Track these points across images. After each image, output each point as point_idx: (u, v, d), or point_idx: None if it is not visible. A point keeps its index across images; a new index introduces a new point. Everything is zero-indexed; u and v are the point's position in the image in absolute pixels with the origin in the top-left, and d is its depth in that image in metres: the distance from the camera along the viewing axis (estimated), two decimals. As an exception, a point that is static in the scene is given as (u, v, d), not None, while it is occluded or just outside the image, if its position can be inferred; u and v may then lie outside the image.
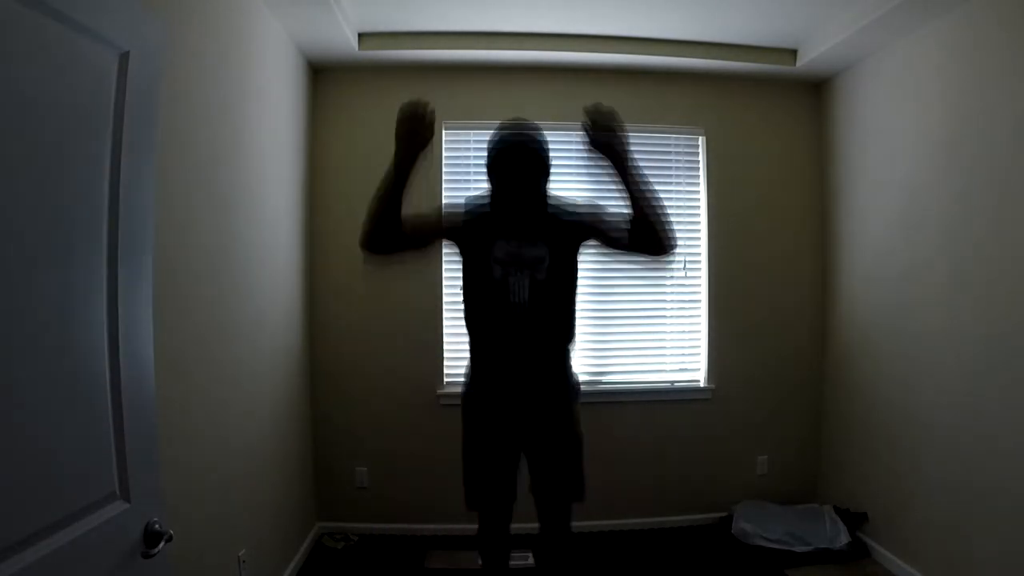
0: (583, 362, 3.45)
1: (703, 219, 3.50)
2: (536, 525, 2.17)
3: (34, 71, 0.97)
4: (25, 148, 0.96)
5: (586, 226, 2.05)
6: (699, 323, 3.53)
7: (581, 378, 2.27)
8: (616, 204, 1.98)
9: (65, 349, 1.05)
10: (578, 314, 2.13)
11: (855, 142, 3.26)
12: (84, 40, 1.08)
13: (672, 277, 3.52)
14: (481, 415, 2.08)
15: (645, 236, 1.89)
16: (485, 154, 2.06)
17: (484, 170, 2.07)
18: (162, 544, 1.23)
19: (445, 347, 3.37)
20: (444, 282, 3.36)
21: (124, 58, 1.18)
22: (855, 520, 3.11)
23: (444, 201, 3.34)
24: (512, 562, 2.32)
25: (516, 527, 2.21)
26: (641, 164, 3.28)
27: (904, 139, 2.87)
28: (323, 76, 3.34)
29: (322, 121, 3.34)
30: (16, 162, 0.94)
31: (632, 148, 1.89)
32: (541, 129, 2.08)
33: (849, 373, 3.32)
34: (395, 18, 2.97)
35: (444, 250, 3.34)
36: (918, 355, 2.78)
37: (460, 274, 2.12)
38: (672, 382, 3.51)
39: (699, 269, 3.52)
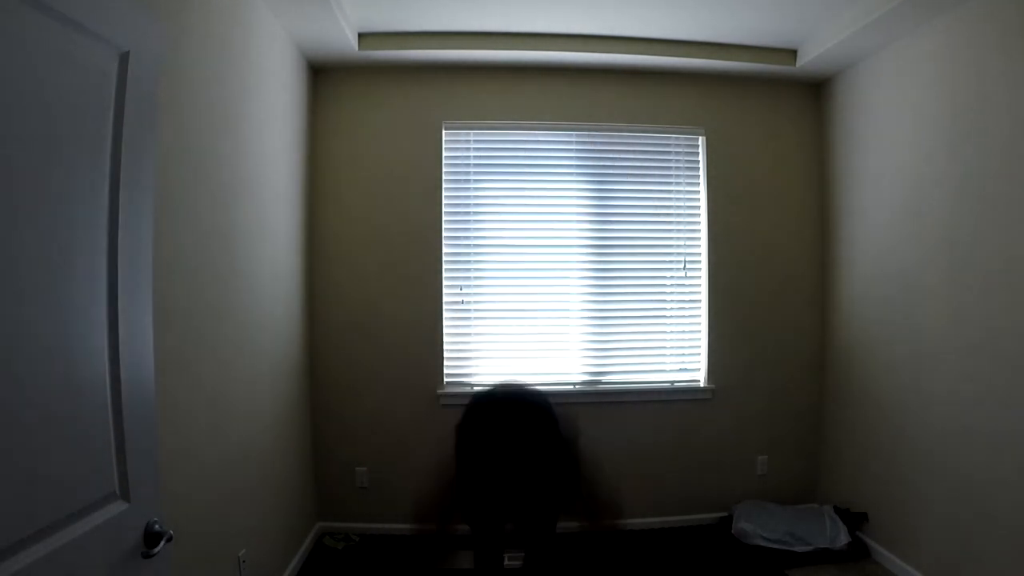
0: (583, 362, 3.46)
1: (703, 219, 3.50)
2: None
3: (34, 70, 0.97)
4: (25, 147, 0.96)
5: None
6: (699, 323, 3.53)
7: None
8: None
9: (65, 349, 1.05)
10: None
11: (855, 142, 3.26)
12: (84, 40, 1.08)
13: (672, 277, 3.52)
14: None
15: None
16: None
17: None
18: (162, 544, 1.23)
19: (445, 347, 3.37)
20: (444, 282, 3.36)
21: (124, 58, 1.18)
22: (855, 520, 3.11)
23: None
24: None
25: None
26: (641, 164, 3.28)
27: (903, 139, 2.87)
28: (323, 76, 3.34)
29: (322, 121, 3.34)
30: (16, 162, 0.94)
31: None
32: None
33: (849, 373, 3.32)
34: (395, 18, 2.96)
35: (444, 248, 3.36)
36: (918, 355, 2.78)
37: None
38: (672, 382, 3.51)
39: (699, 269, 3.52)
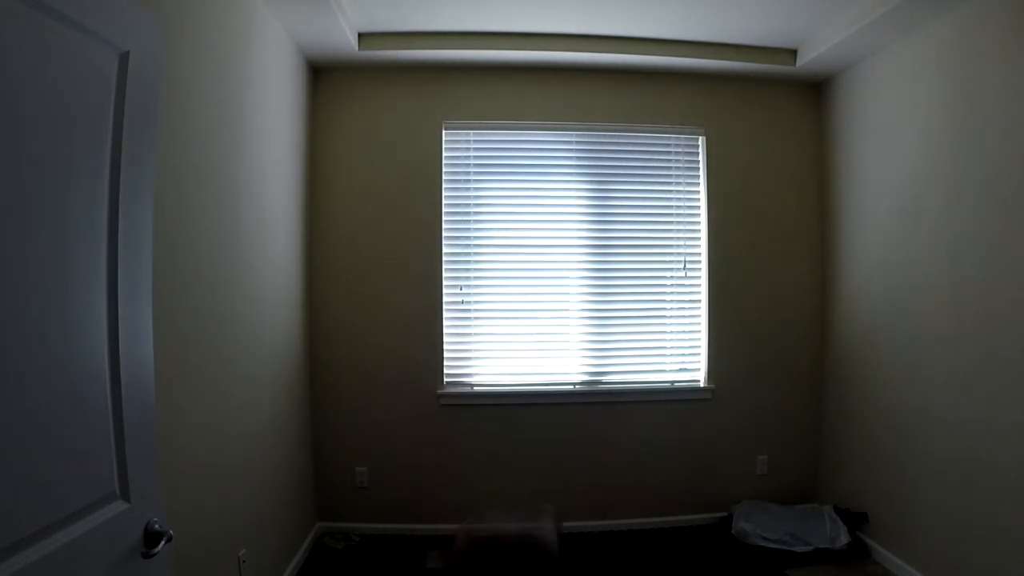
0: (583, 362, 3.46)
1: (703, 219, 3.50)
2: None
3: (34, 71, 0.97)
4: (25, 148, 0.96)
5: None
6: (699, 323, 3.53)
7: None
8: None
9: (65, 349, 1.05)
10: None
11: (855, 142, 3.26)
12: (84, 40, 1.08)
13: (672, 277, 3.52)
14: None
15: None
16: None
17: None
18: (162, 544, 1.23)
19: (445, 347, 3.37)
20: (444, 282, 3.36)
21: (124, 58, 1.18)
22: (855, 520, 3.11)
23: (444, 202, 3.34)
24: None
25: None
26: (641, 164, 3.27)
27: (904, 139, 2.87)
28: (323, 76, 3.34)
29: (322, 121, 3.34)
30: (16, 162, 0.94)
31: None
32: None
33: (849, 373, 3.31)
34: (395, 18, 2.96)
35: (444, 248, 3.36)
36: (917, 355, 2.78)
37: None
38: (672, 382, 3.51)
39: (699, 269, 3.52)
